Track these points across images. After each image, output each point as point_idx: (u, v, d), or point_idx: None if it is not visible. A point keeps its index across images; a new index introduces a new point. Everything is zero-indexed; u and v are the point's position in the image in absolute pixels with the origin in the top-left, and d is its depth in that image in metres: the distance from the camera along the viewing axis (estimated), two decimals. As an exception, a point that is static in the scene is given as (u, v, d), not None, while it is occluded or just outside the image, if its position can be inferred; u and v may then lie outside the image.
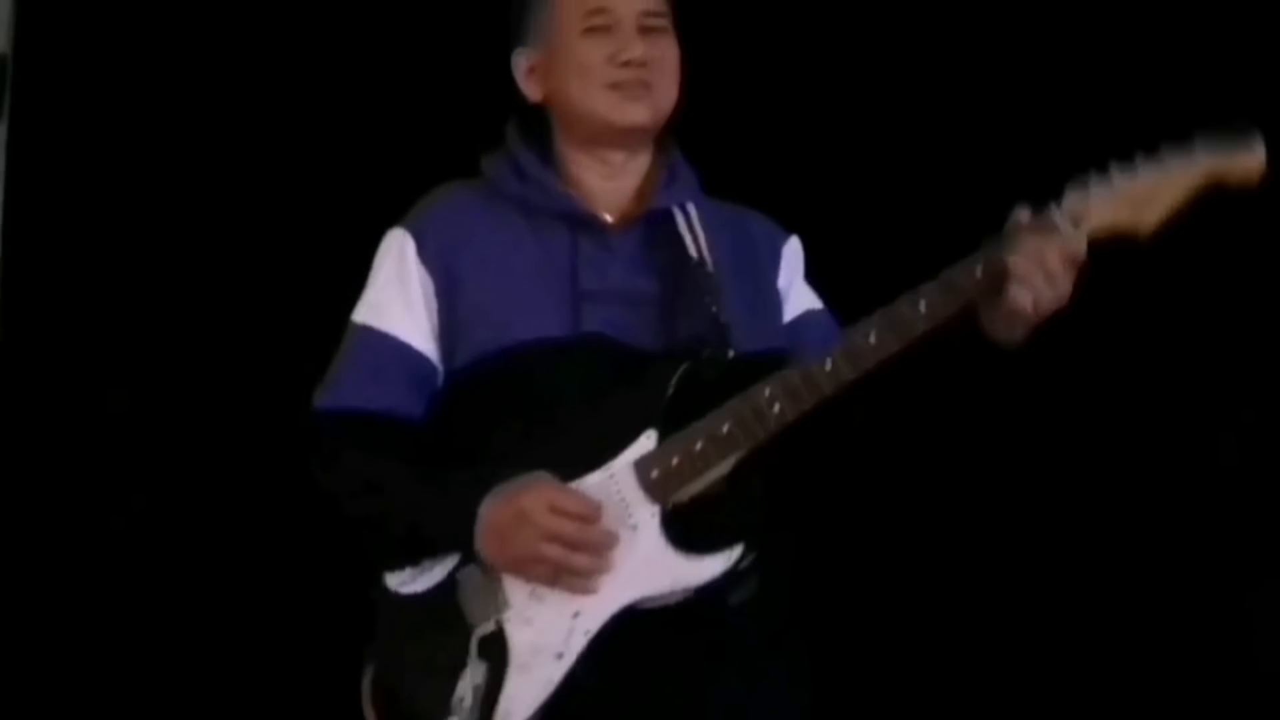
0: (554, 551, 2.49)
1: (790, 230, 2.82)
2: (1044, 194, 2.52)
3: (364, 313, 2.71)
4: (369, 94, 4.05)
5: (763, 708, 2.59)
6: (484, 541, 2.52)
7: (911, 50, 3.96)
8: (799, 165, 3.86)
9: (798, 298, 2.78)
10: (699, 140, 2.80)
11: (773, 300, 2.75)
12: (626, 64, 2.67)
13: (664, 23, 2.71)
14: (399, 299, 2.67)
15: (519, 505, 2.50)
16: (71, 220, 4.06)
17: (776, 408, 2.51)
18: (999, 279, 2.47)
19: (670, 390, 2.55)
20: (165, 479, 4.02)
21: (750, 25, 3.93)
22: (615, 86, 2.67)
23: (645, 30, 2.69)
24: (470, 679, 2.49)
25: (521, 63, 2.76)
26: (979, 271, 2.48)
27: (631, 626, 2.51)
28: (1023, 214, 2.48)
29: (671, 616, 2.52)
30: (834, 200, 3.78)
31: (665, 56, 2.70)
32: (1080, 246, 2.46)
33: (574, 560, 2.50)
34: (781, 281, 2.77)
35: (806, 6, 3.97)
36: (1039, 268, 2.44)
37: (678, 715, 2.55)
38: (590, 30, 2.68)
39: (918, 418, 2.68)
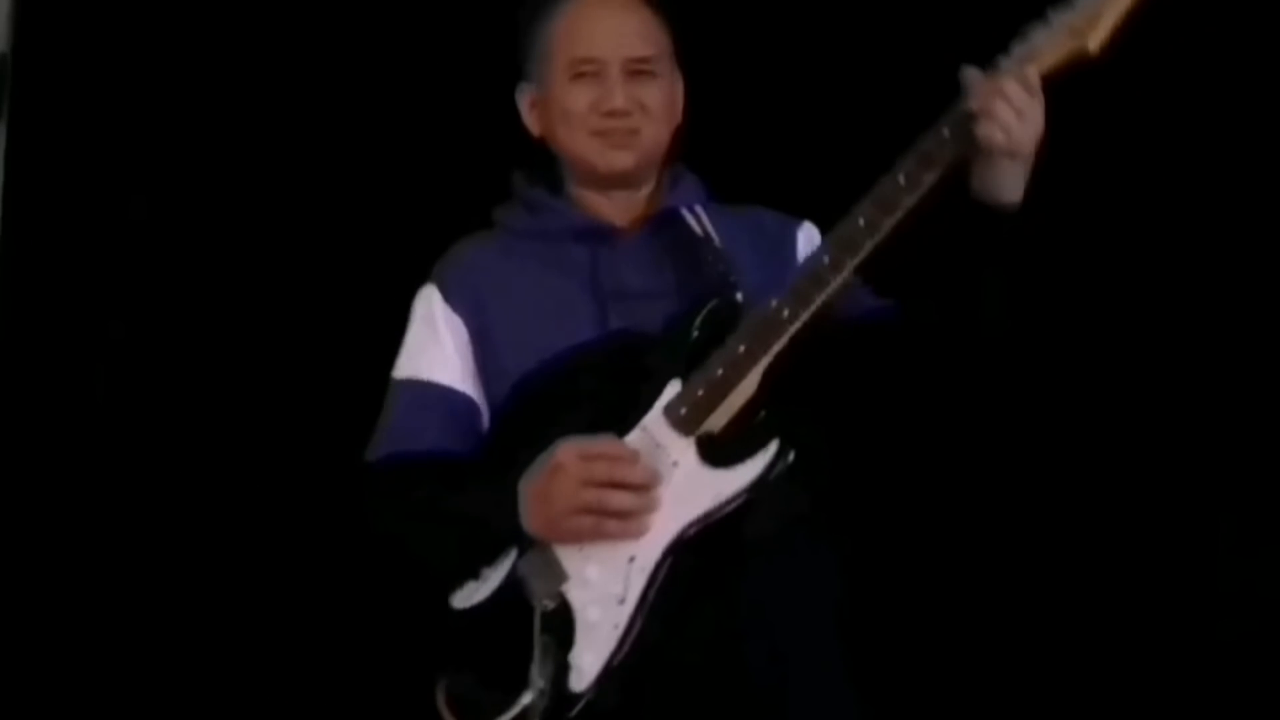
0: (591, 495, 2.53)
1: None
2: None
3: (401, 367, 2.77)
4: (371, 93, 4.04)
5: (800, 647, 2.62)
6: (528, 513, 2.57)
7: (913, 50, 3.94)
8: (802, 169, 3.84)
9: None
10: (701, 146, 2.83)
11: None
12: (610, 113, 2.70)
13: (655, 66, 2.73)
14: (432, 346, 2.73)
15: (552, 464, 2.55)
16: (71, 221, 4.05)
17: (785, 312, 2.55)
18: (967, 128, 2.49)
19: (694, 334, 2.59)
20: (167, 485, 4.02)
21: (752, 28, 3.92)
22: (599, 134, 2.71)
23: (634, 75, 2.71)
24: (540, 654, 2.53)
25: (524, 98, 2.81)
26: (946, 131, 2.50)
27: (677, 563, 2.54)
28: (972, 72, 2.50)
29: (712, 552, 2.55)
30: (836, 201, 3.76)
31: (653, 101, 2.72)
32: (1033, 77, 2.48)
33: (612, 499, 2.54)
34: (799, 257, 2.78)
35: (811, 9, 3.95)
36: (999, 99, 2.46)
37: (722, 660, 2.57)
38: (578, 76, 2.71)
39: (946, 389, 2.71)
